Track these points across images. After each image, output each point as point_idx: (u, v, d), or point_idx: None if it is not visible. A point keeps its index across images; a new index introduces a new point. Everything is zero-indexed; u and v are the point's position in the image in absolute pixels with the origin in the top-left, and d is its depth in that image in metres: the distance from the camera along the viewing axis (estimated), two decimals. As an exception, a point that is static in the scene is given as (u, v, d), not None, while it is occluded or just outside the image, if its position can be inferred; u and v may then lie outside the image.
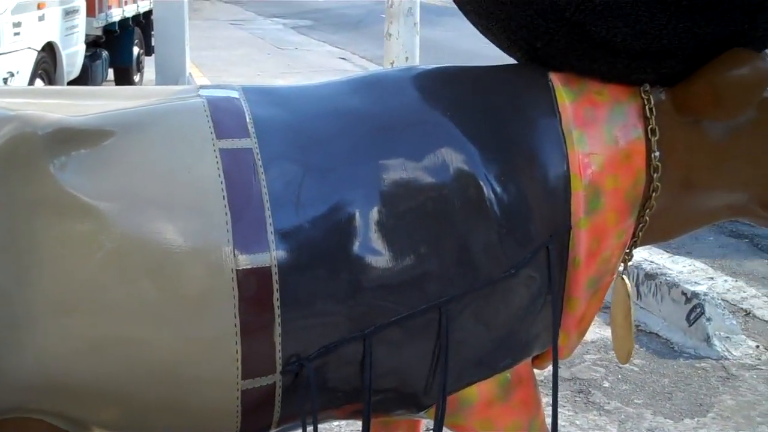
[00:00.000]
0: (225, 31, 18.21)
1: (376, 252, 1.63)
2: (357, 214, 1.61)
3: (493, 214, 1.74)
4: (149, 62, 10.71)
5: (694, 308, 4.20)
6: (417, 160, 1.70)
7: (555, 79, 1.83)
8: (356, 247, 1.61)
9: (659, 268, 4.63)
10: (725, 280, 5.03)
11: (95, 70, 8.36)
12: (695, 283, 4.42)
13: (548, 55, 1.83)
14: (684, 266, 5.26)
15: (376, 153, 1.67)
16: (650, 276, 4.57)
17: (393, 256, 1.65)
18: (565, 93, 1.82)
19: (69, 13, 7.25)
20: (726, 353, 4.03)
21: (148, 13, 10.41)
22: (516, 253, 1.76)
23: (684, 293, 4.29)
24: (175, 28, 8.86)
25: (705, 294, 4.22)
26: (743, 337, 4.22)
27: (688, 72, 1.79)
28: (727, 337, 4.11)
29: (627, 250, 1.97)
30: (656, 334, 4.37)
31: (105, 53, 8.80)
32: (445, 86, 1.86)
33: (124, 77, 10.00)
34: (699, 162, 1.90)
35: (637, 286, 4.63)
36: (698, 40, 1.70)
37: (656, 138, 1.83)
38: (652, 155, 1.83)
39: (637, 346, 4.25)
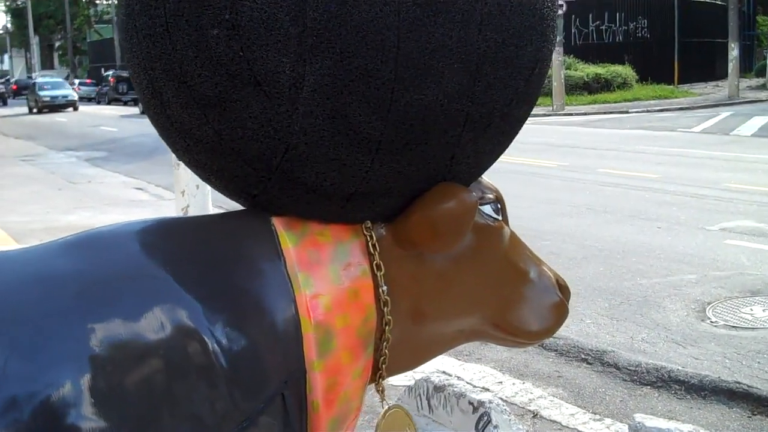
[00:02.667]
0: (14, 168, 17.57)
1: (95, 427, 1.55)
2: (67, 390, 1.52)
3: (219, 369, 1.69)
4: None
5: (482, 417, 4.27)
6: (132, 319, 1.64)
7: (277, 223, 1.84)
8: (68, 424, 1.52)
9: (447, 379, 4.70)
10: (513, 383, 5.19)
11: None
12: (482, 390, 4.52)
13: (267, 201, 1.84)
14: (474, 373, 5.40)
15: (85, 316, 1.60)
16: (439, 388, 4.63)
17: (112, 428, 1.57)
18: (287, 237, 1.83)
19: None
20: (515, 459, 4.10)
21: None
22: (248, 404, 1.72)
23: (471, 402, 4.37)
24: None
25: (490, 401, 4.31)
26: (531, 440, 4.34)
27: (405, 207, 1.84)
28: (515, 442, 4.19)
29: (376, 383, 1.98)
30: (448, 447, 4.41)
31: None
32: (165, 239, 1.83)
33: None
34: (427, 292, 1.94)
35: (428, 399, 4.68)
36: (405, 178, 1.76)
37: (382, 273, 1.86)
38: (380, 290, 1.86)
39: (430, 461, 4.27)
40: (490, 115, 1.73)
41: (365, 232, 1.86)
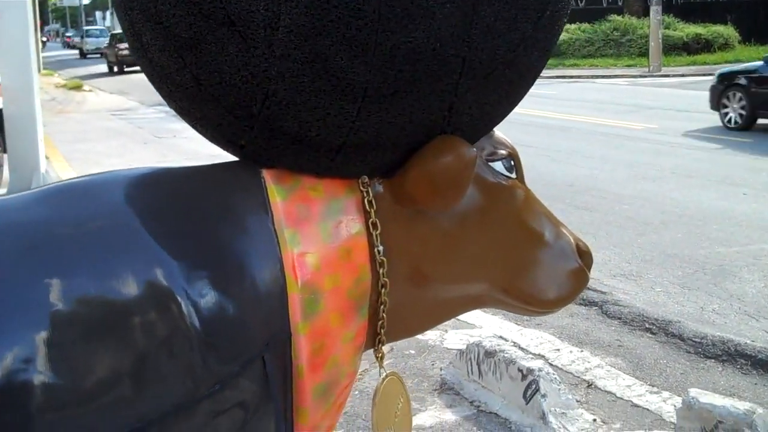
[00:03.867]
0: (104, 123, 17.95)
1: (51, 384, 1.49)
2: (24, 344, 1.47)
3: (192, 331, 1.61)
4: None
5: (530, 385, 4.14)
6: (99, 275, 1.57)
7: (267, 176, 1.75)
8: (27, 379, 1.47)
9: (498, 345, 4.58)
10: (570, 351, 5.03)
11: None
12: (534, 357, 4.38)
13: (255, 153, 1.75)
14: (531, 339, 5.25)
15: (50, 268, 1.54)
16: (489, 353, 4.51)
17: (73, 383, 1.51)
18: (276, 190, 1.74)
19: None
20: (562, 429, 3.97)
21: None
22: (223, 367, 1.64)
23: (520, 369, 4.24)
24: (26, 124, 8.57)
25: (540, 369, 4.18)
26: (581, 411, 4.18)
27: (403, 162, 1.74)
28: (563, 412, 4.06)
29: (375, 348, 1.89)
30: (495, 414, 4.29)
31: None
32: (147, 189, 1.75)
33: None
34: (430, 253, 1.84)
35: (478, 364, 4.57)
36: (398, 129, 1.65)
37: (378, 231, 1.76)
38: (376, 250, 1.76)
39: (475, 428, 4.17)
40: (492, 62, 1.61)
41: (361, 188, 1.76)
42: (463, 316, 5.29)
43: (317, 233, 1.70)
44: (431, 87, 1.57)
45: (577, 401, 4.33)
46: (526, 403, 4.14)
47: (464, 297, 1.92)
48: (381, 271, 1.75)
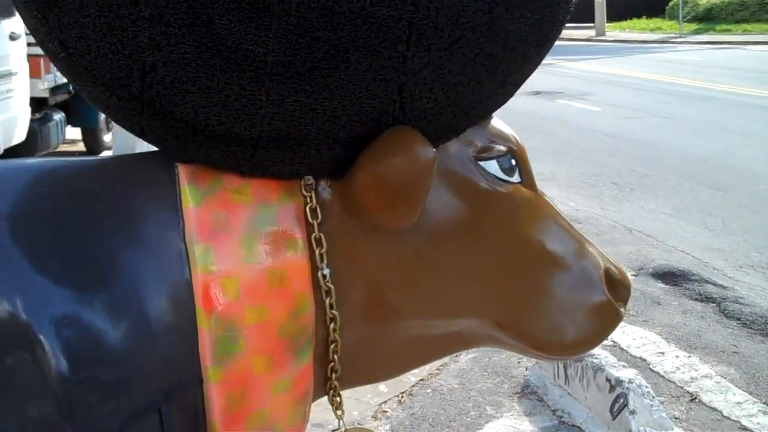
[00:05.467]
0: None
1: None
2: None
3: (56, 380, 1.23)
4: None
5: (618, 398, 3.60)
6: None
7: (182, 173, 1.33)
8: None
9: (589, 347, 4.02)
10: (677, 356, 4.42)
11: (46, 134, 7.97)
12: (624, 366, 3.81)
13: (161, 144, 1.36)
14: (634, 338, 4.67)
15: None
16: (578, 356, 3.97)
17: None
18: (190, 193, 1.33)
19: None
20: (651, 454, 3.41)
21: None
22: (104, 422, 1.25)
23: (608, 379, 3.69)
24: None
25: (630, 381, 3.61)
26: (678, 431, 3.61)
27: (354, 159, 1.30)
28: (655, 433, 3.49)
29: (331, 398, 1.47)
30: (578, 427, 3.77)
31: (59, 115, 8.40)
32: (25, 187, 1.37)
33: (92, 138, 9.65)
34: (397, 280, 1.40)
35: (564, 367, 4.05)
36: (330, 118, 1.22)
37: (324, 249, 1.33)
38: (320, 274, 1.33)
39: (555, 443, 3.67)
40: (455, 27, 1.15)
41: (304, 191, 1.32)
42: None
43: (238, 250, 1.28)
44: (366, 61, 1.14)
45: (675, 418, 3.75)
46: (613, 419, 3.61)
47: (446, 336, 1.48)
48: (328, 301, 1.32)
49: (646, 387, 3.64)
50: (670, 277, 5.54)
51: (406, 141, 1.21)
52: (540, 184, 1.48)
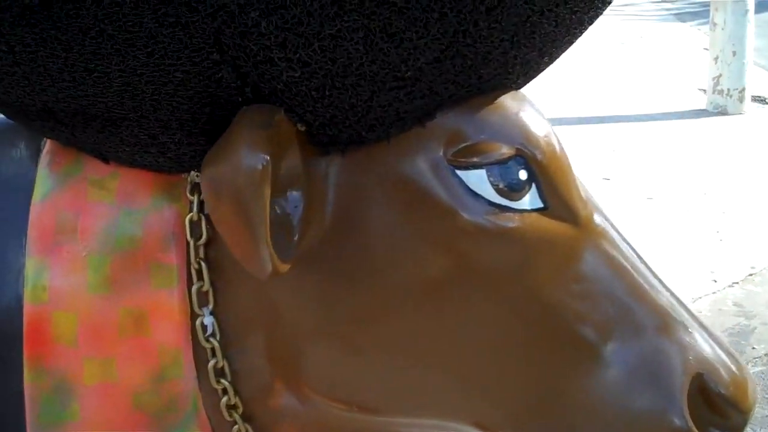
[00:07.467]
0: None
1: None
2: None
3: None
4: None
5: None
6: None
7: (45, 151, 0.96)
8: None
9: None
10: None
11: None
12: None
13: None
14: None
15: None
16: None
17: None
18: (41, 181, 0.93)
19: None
20: None
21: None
22: None
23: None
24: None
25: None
26: None
27: None
28: None
29: None
30: None
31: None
32: None
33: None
34: (323, 348, 0.98)
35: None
36: (118, 88, 0.85)
37: (205, 287, 0.89)
38: (198, 322, 0.89)
39: None
40: None
41: (188, 194, 0.88)
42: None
43: (82, 273, 0.88)
44: None
45: None
46: None
47: None
48: (212, 365, 0.89)
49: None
50: None
51: (233, 139, 0.78)
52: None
